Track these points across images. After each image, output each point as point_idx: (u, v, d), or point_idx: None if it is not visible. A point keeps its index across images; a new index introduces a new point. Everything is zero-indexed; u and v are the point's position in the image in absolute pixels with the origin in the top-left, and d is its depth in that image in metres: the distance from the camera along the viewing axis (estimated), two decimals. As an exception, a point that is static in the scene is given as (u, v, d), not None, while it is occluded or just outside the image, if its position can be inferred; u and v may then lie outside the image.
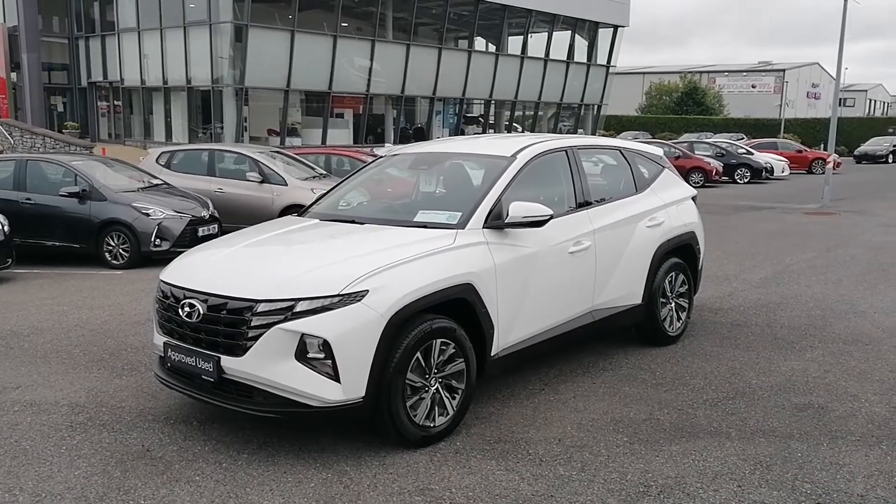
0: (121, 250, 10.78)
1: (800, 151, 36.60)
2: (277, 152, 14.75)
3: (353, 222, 5.28)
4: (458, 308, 4.68)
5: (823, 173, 34.93)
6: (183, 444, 4.63)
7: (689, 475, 4.17)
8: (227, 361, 4.28)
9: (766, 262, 10.84)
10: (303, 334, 4.13)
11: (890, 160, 43.77)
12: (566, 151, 5.86)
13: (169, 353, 4.63)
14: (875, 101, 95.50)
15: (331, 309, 4.13)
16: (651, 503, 3.87)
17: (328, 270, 4.34)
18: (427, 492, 4.00)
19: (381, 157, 6.41)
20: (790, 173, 32.24)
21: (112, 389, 5.61)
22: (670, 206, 6.61)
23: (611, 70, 43.38)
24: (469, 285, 4.67)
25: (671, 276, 6.55)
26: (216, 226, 11.48)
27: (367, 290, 4.19)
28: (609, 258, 5.87)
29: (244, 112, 29.28)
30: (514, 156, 5.44)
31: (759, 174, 29.47)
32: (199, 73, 29.22)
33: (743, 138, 44.48)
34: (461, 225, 4.92)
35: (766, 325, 7.35)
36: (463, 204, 5.12)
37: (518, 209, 4.93)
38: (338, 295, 4.15)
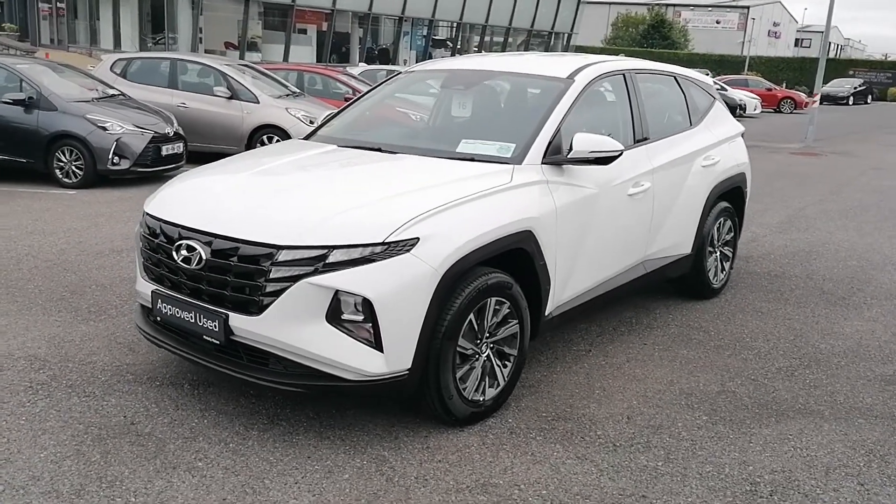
0: (73, 167, 9.59)
1: (770, 90, 36.21)
2: (246, 66, 13.48)
3: (379, 150, 4.36)
4: (514, 260, 3.87)
5: (791, 112, 34.91)
6: (175, 415, 3.77)
7: (796, 469, 3.49)
8: (237, 321, 3.40)
9: (776, 205, 10.22)
10: (337, 291, 3.26)
11: (850, 102, 43.80)
12: (624, 75, 4.99)
13: (159, 305, 3.72)
14: (830, 42, 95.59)
15: (373, 261, 3.27)
16: (764, 507, 3.19)
17: (368, 211, 3.45)
18: (490, 488, 3.24)
19: (400, 72, 5.43)
20: (761, 111, 31.80)
21: (78, 338, 4.69)
22: (724, 143, 5.82)
23: (582, -3, 42.04)
24: (529, 233, 3.84)
25: (720, 223, 5.81)
26: (181, 144, 10.36)
27: (418, 239, 3.33)
28: (665, 202, 5.08)
29: (199, 22, 27.36)
30: (571, 77, 4.54)
31: (734, 111, 28.79)
32: (150, -23, 27.14)
33: (708, 74, 43.71)
34: (517, 159, 4.04)
35: (805, 276, 6.71)
36: (515, 133, 4.24)
37: (584, 142, 4.07)
38: (382, 243, 3.28)
